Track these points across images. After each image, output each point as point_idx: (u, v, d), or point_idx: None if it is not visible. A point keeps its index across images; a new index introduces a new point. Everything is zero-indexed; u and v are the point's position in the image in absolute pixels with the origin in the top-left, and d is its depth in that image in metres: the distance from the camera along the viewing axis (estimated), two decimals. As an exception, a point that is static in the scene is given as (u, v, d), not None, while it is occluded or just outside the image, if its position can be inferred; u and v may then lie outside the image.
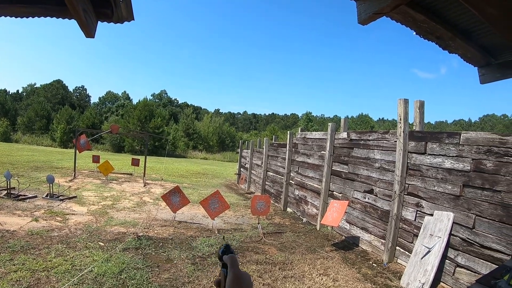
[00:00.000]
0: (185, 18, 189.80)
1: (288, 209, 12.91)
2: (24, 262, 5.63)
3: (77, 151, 17.33)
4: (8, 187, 10.48)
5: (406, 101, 6.95)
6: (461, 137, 5.72)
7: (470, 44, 2.73)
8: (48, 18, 3.00)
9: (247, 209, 12.42)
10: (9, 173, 10.50)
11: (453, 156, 5.84)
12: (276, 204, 13.92)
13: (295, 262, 6.94)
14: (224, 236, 8.40)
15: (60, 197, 11.02)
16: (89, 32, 2.85)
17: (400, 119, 6.93)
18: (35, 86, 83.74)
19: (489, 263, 5.06)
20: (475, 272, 5.26)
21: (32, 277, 5.18)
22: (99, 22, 3.01)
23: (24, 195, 10.59)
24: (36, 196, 10.86)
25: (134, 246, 7.17)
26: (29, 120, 60.19)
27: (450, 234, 5.70)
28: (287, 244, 8.26)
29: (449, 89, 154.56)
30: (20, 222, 7.86)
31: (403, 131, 6.83)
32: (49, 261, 5.85)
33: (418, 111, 6.90)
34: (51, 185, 11.13)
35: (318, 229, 9.91)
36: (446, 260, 5.77)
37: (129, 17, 2.98)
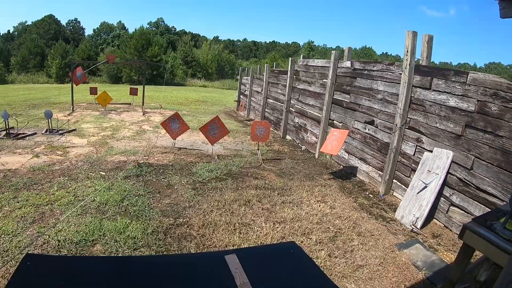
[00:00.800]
0: None
1: (288, 137, 13.00)
2: (28, 198, 5.69)
3: (74, 85, 16.92)
4: (7, 127, 10.37)
5: (414, 34, 6.73)
6: (469, 77, 5.58)
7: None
8: None
9: (247, 135, 12.52)
10: (6, 113, 10.35)
11: (458, 95, 5.74)
12: (275, 131, 13.99)
13: (294, 188, 7.08)
14: None
15: (60, 132, 11.01)
16: None
17: (407, 51, 6.73)
18: (26, 24, 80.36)
19: (483, 206, 5.14)
20: (468, 213, 5.36)
21: (36, 211, 5.27)
22: None
23: (23, 133, 10.53)
24: (35, 133, 10.81)
25: (135, 174, 7.27)
26: (23, 59, 58.44)
27: (448, 172, 5.75)
28: (286, 170, 8.39)
29: (456, 30, 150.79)
30: (21, 160, 7.87)
31: (409, 64, 6.67)
32: (52, 194, 5.94)
33: (426, 45, 6.69)
34: (49, 120, 11.05)
35: (316, 157, 10.03)
36: (441, 198, 5.87)
37: None
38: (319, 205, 6.25)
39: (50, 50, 57.16)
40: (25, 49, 59.46)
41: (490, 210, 4.82)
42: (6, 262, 4.00)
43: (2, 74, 51.78)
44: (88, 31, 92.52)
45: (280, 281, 2.18)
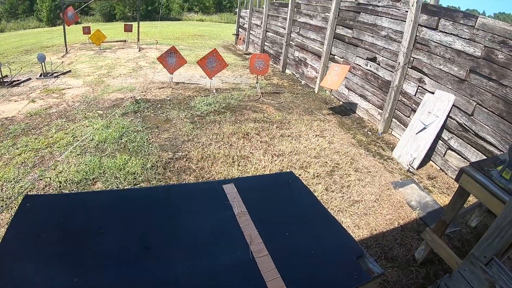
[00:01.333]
0: None
1: (287, 71, 12.83)
2: (27, 144, 5.67)
3: (66, 25, 16.42)
4: (0, 75, 10.17)
5: (423, -31, 6.48)
6: (478, 21, 5.37)
7: None
8: None
9: (245, 69, 12.38)
10: None
11: (465, 38, 5.55)
12: (274, 65, 13.81)
13: (293, 122, 7.11)
14: None
15: (54, 74, 10.78)
16: None
17: (415, -13, 6.50)
18: None
19: (480, 153, 5.15)
20: (464, 158, 5.39)
21: (36, 156, 5.29)
22: None
23: (17, 80, 10.26)
24: (29, 79, 10.55)
25: (132, 110, 7.25)
26: (11, 6, 55.72)
27: (448, 116, 5.70)
28: (285, 104, 8.38)
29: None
30: (17, 107, 7.74)
31: (416, 2, 6.41)
32: (51, 137, 5.93)
33: (434, -16, 6.47)
34: (43, 64, 10.78)
35: (316, 92, 9.97)
36: (439, 141, 5.86)
37: None
38: (318, 140, 6.30)
39: None
40: None
41: (486, 157, 4.85)
42: (9, 208, 4.06)
43: None
44: None
45: (278, 210, 2.21)
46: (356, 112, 8.27)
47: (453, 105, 5.63)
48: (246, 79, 10.85)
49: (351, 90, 8.61)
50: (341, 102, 8.98)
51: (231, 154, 5.41)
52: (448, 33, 5.84)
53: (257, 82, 9.22)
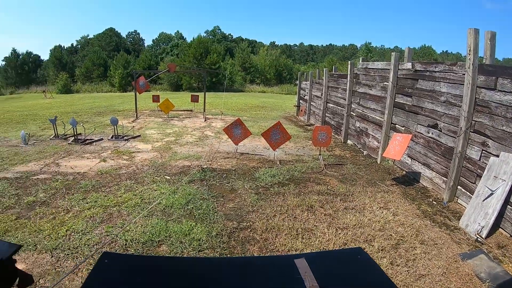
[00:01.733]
0: None
1: (349, 142, 12.90)
2: (96, 200, 6.17)
3: (137, 93, 17.81)
4: (75, 133, 11.20)
5: (476, 31, 6.53)
6: None
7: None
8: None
9: (308, 140, 12.57)
10: (74, 120, 11.20)
11: None
12: (336, 136, 13.92)
13: (356, 194, 7.07)
14: None
15: (125, 137, 11.69)
16: None
17: (470, 50, 6.53)
18: (88, 38, 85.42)
19: None
20: None
21: (105, 212, 5.70)
22: None
23: (91, 139, 11.32)
24: (102, 139, 11.59)
25: (199, 178, 7.55)
26: (87, 70, 61.90)
27: None
28: (347, 176, 8.37)
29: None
30: (89, 164, 8.46)
31: (473, 64, 6.44)
32: (119, 196, 6.38)
33: (489, 42, 6.46)
34: (115, 126, 11.74)
35: (378, 162, 9.91)
36: (508, 206, 5.56)
37: None
38: (382, 212, 6.21)
39: (112, 61, 60.41)
40: (88, 61, 63.29)
41: None
42: (75, 258, 4.37)
43: (68, 85, 55.21)
44: (148, 42, 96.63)
45: (349, 286, 2.23)
46: (420, 181, 8.14)
47: None
48: (308, 151, 11.02)
49: (414, 159, 8.53)
50: (404, 172, 8.88)
51: (295, 227, 5.45)
52: (508, 92, 5.77)
53: (320, 154, 9.35)
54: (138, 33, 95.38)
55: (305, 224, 5.59)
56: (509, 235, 5.51)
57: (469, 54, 6.52)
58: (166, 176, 7.67)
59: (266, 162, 9.28)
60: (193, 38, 60.81)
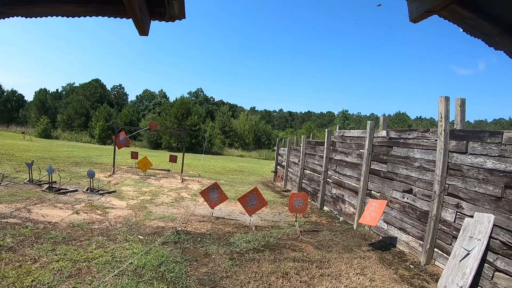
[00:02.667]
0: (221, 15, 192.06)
1: (325, 208, 12.87)
2: (66, 253, 5.89)
3: (117, 147, 17.81)
4: (50, 180, 11.00)
5: (447, 99, 6.83)
6: (504, 136, 5.58)
7: (517, 42, 2.68)
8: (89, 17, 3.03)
9: (284, 206, 12.51)
10: (51, 168, 11.04)
11: (495, 156, 5.70)
12: (312, 202, 13.93)
13: (332, 260, 6.94)
14: None
15: (100, 192, 11.45)
16: (144, 30, 2.86)
17: (441, 117, 6.81)
18: (74, 85, 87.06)
19: None
20: None
21: (74, 267, 5.42)
22: (151, 21, 3.05)
23: (65, 189, 11.08)
24: (76, 190, 11.34)
25: (172, 240, 7.35)
26: (69, 118, 62.55)
27: (490, 236, 5.56)
28: (324, 242, 8.26)
29: (488, 85, 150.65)
30: (61, 215, 8.22)
31: (444, 130, 6.71)
32: (90, 252, 6.10)
33: (459, 109, 6.78)
34: (91, 179, 11.55)
35: (355, 228, 9.87)
36: (485, 264, 5.62)
37: (181, 15, 3.01)
38: (358, 278, 6.08)
39: (95, 112, 61.10)
40: (71, 109, 63.83)
41: None
42: None
43: (48, 129, 55.35)
44: (132, 97, 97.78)
45: None
46: (397, 245, 8.09)
47: (493, 224, 5.51)
48: (284, 217, 10.93)
49: (390, 224, 8.53)
50: (380, 237, 8.84)
51: (270, 293, 5.32)
52: (478, 154, 6.02)
53: (296, 221, 9.27)
54: (123, 87, 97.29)
55: (280, 291, 5.44)
56: (488, 294, 5.48)
57: (441, 121, 6.78)
58: (139, 236, 7.45)
59: (242, 227, 9.14)
60: (176, 98, 62.30)
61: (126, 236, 7.30)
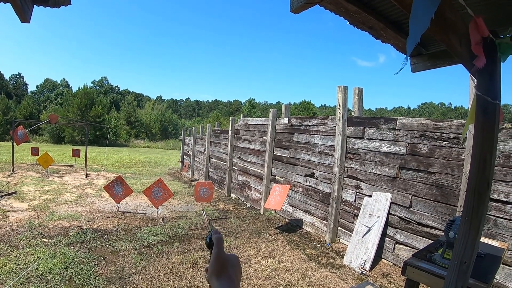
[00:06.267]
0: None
1: (232, 195, 13.02)
2: None
3: (15, 144, 16.52)
4: None
5: (345, 88, 7.21)
6: (397, 123, 6.05)
7: (401, 35, 2.85)
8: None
9: (191, 196, 12.40)
10: None
11: (389, 140, 6.16)
12: (220, 190, 14.03)
13: (241, 246, 7.05)
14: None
15: None
16: (25, 17, 2.67)
17: (339, 105, 7.17)
18: None
19: (426, 239, 5.44)
20: (413, 248, 5.61)
21: None
22: (35, 6, 2.87)
23: None
24: None
25: (78, 240, 7.01)
26: None
27: (389, 213, 6.05)
28: (232, 229, 8.35)
29: (388, 77, 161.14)
30: None
31: (342, 117, 7.09)
32: None
33: (356, 97, 7.20)
34: None
35: (262, 213, 10.09)
36: (386, 238, 6.12)
37: (66, 1, 2.87)
38: (267, 261, 6.24)
39: None
40: None
41: (432, 241, 5.06)
42: None
43: None
44: (32, 87, 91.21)
45: None
46: (303, 227, 8.41)
47: (391, 202, 6.01)
48: (192, 207, 10.87)
49: (295, 207, 8.83)
50: (287, 220, 9.12)
51: (180, 285, 5.25)
52: (374, 139, 6.47)
53: (203, 209, 9.29)
54: (22, 77, 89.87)
55: (190, 281, 5.41)
56: (391, 263, 6.00)
57: (339, 108, 7.14)
58: (43, 239, 7.01)
59: (149, 220, 8.95)
60: (79, 88, 58.74)
61: (30, 240, 6.83)
